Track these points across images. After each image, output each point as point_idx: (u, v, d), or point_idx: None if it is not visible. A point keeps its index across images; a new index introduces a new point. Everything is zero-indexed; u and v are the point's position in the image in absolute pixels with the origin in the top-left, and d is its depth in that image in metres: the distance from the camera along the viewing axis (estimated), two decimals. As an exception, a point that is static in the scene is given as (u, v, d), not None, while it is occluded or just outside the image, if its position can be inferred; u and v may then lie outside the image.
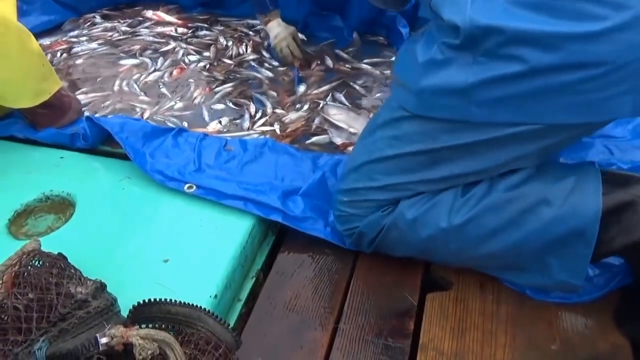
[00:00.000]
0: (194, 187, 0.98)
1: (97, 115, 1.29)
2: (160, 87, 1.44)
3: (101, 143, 1.10)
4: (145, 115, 1.31)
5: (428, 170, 0.76)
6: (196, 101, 1.38)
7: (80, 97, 1.37)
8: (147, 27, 1.72)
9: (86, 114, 1.22)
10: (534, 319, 0.79)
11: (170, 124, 1.26)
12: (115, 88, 1.44)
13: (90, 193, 0.98)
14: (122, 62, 1.55)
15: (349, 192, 0.83)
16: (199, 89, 1.42)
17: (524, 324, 0.79)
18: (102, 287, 0.69)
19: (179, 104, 1.36)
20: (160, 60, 1.55)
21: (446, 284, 0.85)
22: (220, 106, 1.36)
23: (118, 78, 1.47)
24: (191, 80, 1.46)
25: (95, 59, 1.57)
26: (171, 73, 1.49)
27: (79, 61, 1.56)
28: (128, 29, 1.72)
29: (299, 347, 0.77)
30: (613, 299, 0.80)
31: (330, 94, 1.38)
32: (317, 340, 0.78)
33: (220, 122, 1.29)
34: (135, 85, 1.45)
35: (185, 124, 1.27)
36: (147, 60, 1.55)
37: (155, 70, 1.50)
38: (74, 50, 1.61)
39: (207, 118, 1.31)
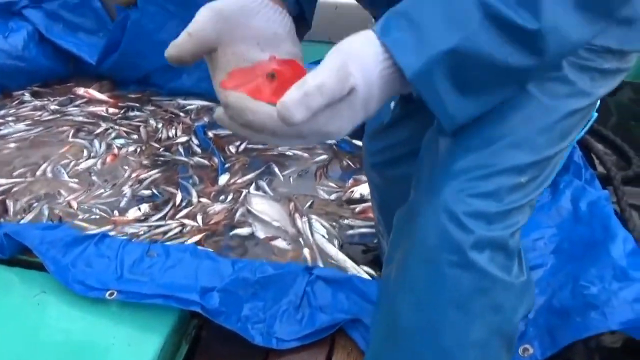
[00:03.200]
0: (115, 293, 1.03)
1: (18, 203, 1.33)
2: (92, 174, 1.48)
3: (19, 252, 1.12)
4: (72, 204, 1.35)
5: None
6: (124, 188, 1.43)
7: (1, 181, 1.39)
8: (77, 106, 1.76)
9: (3, 227, 1.18)
10: None
11: (97, 211, 1.32)
12: (39, 173, 1.46)
13: (2, 310, 1.00)
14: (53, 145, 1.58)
15: None
16: (127, 176, 1.47)
17: None
18: None
19: (108, 192, 1.41)
20: (95, 145, 1.58)
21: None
22: (148, 192, 1.42)
23: (46, 162, 1.50)
24: (124, 167, 1.51)
25: (22, 142, 1.59)
26: (104, 161, 1.53)
27: (6, 144, 1.58)
28: (58, 107, 1.75)
29: None
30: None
31: (254, 182, 1.46)
32: None
33: (139, 209, 1.35)
34: (63, 171, 1.48)
35: (116, 213, 1.33)
36: (85, 144, 1.58)
37: (89, 158, 1.54)
38: (1, 132, 1.63)
39: (129, 205, 1.36)
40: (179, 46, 0.53)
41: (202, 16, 0.53)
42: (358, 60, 0.47)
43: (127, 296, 1.02)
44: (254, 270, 1.08)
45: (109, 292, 1.03)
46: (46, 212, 1.33)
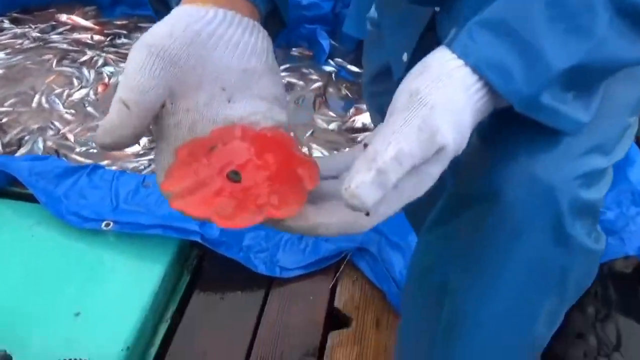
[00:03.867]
0: (111, 224, 1.00)
1: (7, 136, 1.28)
2: (86, 105, 1.41)
3: (9, 184, 1.08)
4: (69, 137, 1.30)
5: None
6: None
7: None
8: (60, 34, 1.66)
9: None
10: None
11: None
12: (34, 105, 1.40)
13: (-2, 242, 0.97)
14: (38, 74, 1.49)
15: None
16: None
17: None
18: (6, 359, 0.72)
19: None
20: (85, 74, 1.50)
21: (347, 320, 0.93)
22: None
23: (38, 93, 1.43)
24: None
25: (5, 71, 1.51)
26: (96, 91, 1.46)
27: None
28: (39, 34, 1.64)
29: (208, 393, 0.83)
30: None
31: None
32: (226, 384, 0.84)
33: (138, 143, 1.30)
34: (58, 101, 1.41)
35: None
36: (73, 72, 1.50)
37: (80, 87, 1.46)
38: (-20, 61, 1.54)
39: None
40: (114, 129, 0.35)
41: (138, 66, 0.36)
42: (443, 106, 0.34)
43: (125, 227, 0.99)
44: (254, 199, 1.05)
45: (105, 223, 0.99)
46: (41, 146, 1.27)
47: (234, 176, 0.35)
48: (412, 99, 0.34)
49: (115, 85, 1.47)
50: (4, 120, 1.35)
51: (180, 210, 0.34)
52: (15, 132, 1.31)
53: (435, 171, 0.35)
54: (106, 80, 1.49)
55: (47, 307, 0.88)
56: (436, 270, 0.51)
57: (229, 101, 0.39)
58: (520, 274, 0.45)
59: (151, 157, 1.26)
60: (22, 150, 1.26)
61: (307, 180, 0.36)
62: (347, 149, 1.28)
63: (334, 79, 1.52)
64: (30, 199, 1.04)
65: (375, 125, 0.85)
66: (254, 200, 0.35)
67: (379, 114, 0.86)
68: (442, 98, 0.34)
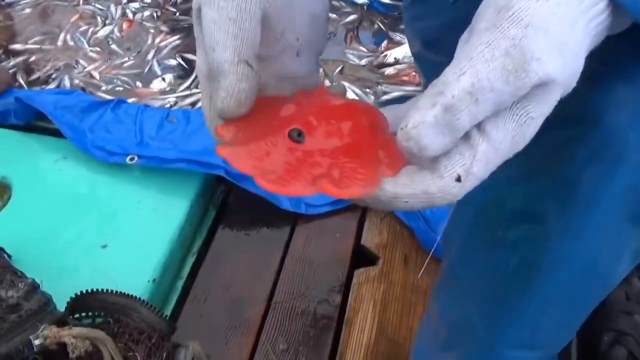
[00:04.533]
0: (136, 158, 0.99)
1: (35, 74, 1.27)
2: (110, 43, 1.38)
3: (36, 119, 1.08)
4: (94, 74, 1.29)
5: None
6: (149, 57, 1.34)
7: (17, 48, 1.33)
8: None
9: (14, 92, 1.14)
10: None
11: (119, 82, 1.25)
12: (59, 43, 1.38)
13: (26, 176, 0.98)
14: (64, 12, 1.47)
15: None
16: (149, 44, 1.38)
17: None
18: (34, 287, 0.72)
19: (130, 61, 1.32)
20: (111, 10, 1.46)
21: (374, 258, 0.90)
22: (172, 62, 1.33)
23: (63, 31, 1.41)
24: (142, 34, 1.40)
25: (32, 10, 1.49)
26: (121, 28, 1.43)
27: (14, 13, 1.48)
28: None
29: (234, 325, 0.83)
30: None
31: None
32: (252, 317, 0.84)
33: (164, 80, 1.27)
34: (82, 39, 1.39)
35: (139, 84, 1.25)
36: (97, 10, 1.47)
37: (104, 25, 1.43)
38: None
39: (158, 72, 1.28)
40: (243, 93, 0.30)
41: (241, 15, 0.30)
42: (544, 25, 0.25)
43: (149, 161, 0.97)
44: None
45: (129, 157, 0.98)
46: (67, 84, 1.26)
47: (296, 136, 0.30)
48: (501, 16, 0.25)
49: (140, 21, 1.44)
50: (32, 58, 1.34)
51: (225, 159, 0.29)
52: (42, 70, 1.30)
53: (538, 113, 0.27)
54: (131, 16, 1.45)
55: (74, 239, 0.89)
56: (507, 204, 0.44)
57: (298, 55, 0.34)
58: (615, 206, 0.39)
59: (178, 94, 1.23)
60: (51, 86, 1.26)
61: (386, 166, 0.29)
62: (380, 87, 1.22)
63: (366, 11, 1.43)
64: (56, 133, 1.04)
65: (414, 54, 0.75)
66: (310, 169, 0.28)
67: (420, 41, 0.78)
68: (544, 13, 0.25)
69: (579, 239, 0.40)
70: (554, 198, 0.40)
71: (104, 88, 1.26)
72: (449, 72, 0.26)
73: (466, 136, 0.27)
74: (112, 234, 0.89)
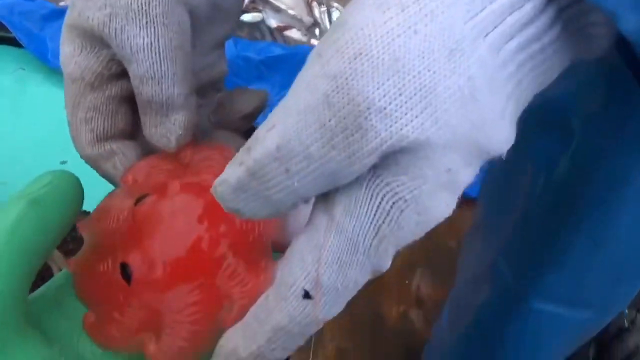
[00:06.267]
0: (100, 71, 0.91)
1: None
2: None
3: (-11, 26, 0.98)
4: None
5: None
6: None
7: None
8: None
9: None
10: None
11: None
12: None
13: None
14: None
15: None
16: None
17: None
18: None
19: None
20: None
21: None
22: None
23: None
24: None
25: None
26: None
27: None
28: None
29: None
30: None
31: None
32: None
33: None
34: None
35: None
36: None
37: None
38: None
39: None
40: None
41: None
42: (390, 52, 0.16)
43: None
44: (258, 50, 0.94)
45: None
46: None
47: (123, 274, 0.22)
48: (329, 40, 0.18)
49: None
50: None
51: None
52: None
53: (415, 193, 0.17)
54: None
55: (33, 153, 0.82)
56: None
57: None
58: None
59: None
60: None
61: (226, 317, 0.21)
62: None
63: None
64: (13, 42, 0.95)
65: None
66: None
67: None
68: (389, 33, 0.16)
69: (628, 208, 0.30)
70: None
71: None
72: (262, 124, 0.19)
73: (309, 222, 0.18)
74: (71, 149, 0.82)
